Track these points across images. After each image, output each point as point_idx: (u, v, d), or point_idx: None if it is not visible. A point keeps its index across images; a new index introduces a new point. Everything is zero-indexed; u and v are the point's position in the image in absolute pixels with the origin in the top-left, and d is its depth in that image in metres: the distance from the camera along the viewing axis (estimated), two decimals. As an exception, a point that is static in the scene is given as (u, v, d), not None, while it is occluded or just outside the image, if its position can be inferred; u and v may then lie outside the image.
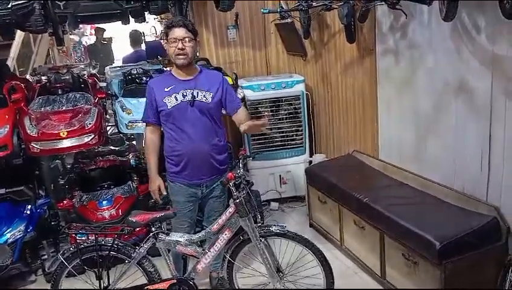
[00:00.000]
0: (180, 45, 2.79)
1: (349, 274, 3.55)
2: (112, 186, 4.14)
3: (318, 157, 4.77)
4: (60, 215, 4.18)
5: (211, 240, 2.82)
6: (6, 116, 3.93)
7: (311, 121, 5.09)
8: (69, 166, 4.63)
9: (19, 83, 4.39)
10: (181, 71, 2.92)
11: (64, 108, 4.17)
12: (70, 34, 8.93)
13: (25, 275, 3.79)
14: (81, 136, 3.87)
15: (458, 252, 2.65)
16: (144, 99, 4.18)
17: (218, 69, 4.44)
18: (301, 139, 4.92)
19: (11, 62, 6.48)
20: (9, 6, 3.54)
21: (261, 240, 2.74)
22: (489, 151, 2.82)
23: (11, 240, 3.56)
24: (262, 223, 2.87)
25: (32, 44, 7.94)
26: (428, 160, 3.41)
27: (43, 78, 4.89)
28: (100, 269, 2.81)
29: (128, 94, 4.54)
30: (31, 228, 3.71)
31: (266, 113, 2.97)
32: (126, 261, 2.83)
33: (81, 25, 7.68)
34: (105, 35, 9.17)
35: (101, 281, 2.82)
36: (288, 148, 4.91)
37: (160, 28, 8.47)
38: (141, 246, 2.78)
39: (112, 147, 4.99)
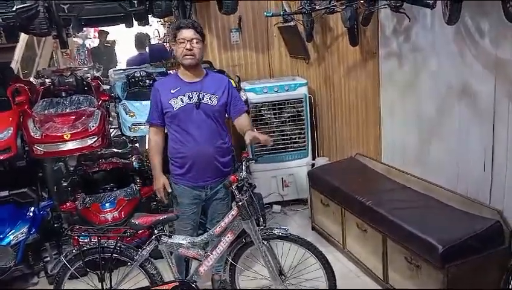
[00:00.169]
0: (188, 46, 2.82)
1: (351, 277, 3.54)
2: (115, 189, 4.15)
3: (321, 160, 4.77)
4: (63, 218, 4.19)
5: (213, 243, 2.82)
6: (10, 119, 3.95)
7: (314, 124, 5.09)
8: (72, 168, 4.64)
9: (22, 85, 4.42)
10: (188, 72, 2.93)
11: (67, 110, 4.20)
12: (74, 37, 8.97)
13: (28, 277, 3.79)
14: (84, 139, 3.89)
15: (461, 256, 2.64)
16: (147, 102, 4.20)
17: (221, 71, 4.45)
18: (304, 142, 4.92)
19: (15, 65, 6.50)
20: (13, 9, 3.56)
21: (263, 243, 2.74)
22: (493, 155, 2.81)
23: (14, 242, 3.57)
24: (265, 225, 2.86)
25: (36, 47, 7.98)
26: (432, 163, 3.41)
27: (46, 80, 4.92)
28: (103, 271, 2.81)
29: (131, 97, 4.56)
30: (33, 230, 3.72)
31: (268, 137, 2.96)
32: (128, 264, 2.83)
33: (84, 28, 7.70)
34: (109, 38, 9.20)
35: (104, 283, 2.82)
36: (291, 151, 4.91)
37: (163, 31, 8.49)
38: (144, 249, 2.78)
39: (115, 150, 5.00)
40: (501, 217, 2.76)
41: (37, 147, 3.83)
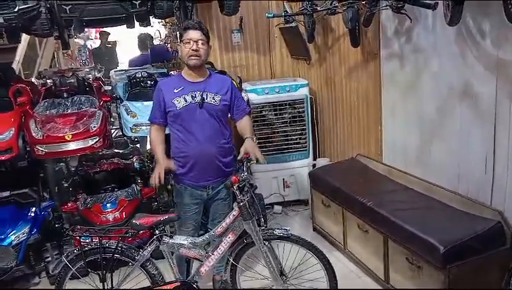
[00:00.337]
0: (194, 46, 2.84)
1: (352, 278, 3.54)
2: (116, 189, 4.15)
3: (322, 161, 4.77)
4: (64, 218, 4.20)
5: (214, 243, 2.82)
6: (12, 119, 3.96)
7: (315, 125, 5.10)
8: (73, 169, 4.65)
9: (24, 86, 4.44)
10: (192, 73, 2.95)
11: (69, 111, 4.21)
12: (76, 38, 8.96)
13: (29, 277, 3.79)
14: (85, 139, 3.91)
15: (462, 257, 2.64)
16: (148, 103, 4.23)
17: (223, 72, 4.46)
18: (305, 142, 4.92)
19: (16, 65, 6.51)
20: (16, 9, 3.56)
21: (264, 243, 2.74)
22: (494, 156, 2.81)
23: (15, 242, 3.57)
24: (266, 226, 2.86)
25: (37, 47, 7.99)
26: (433, 164, 3.41)
27: (48, 81, 4.94)
28: (104, 272, 2.82)
29: (132, 97, 4.57)
30: (35, 230, 3.72)
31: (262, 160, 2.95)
32: (130, 264, 2.84)
33: (86, 29, 7.72)
34: (110, 39, 9.22)
35: (105, 283, 2.83)
36: (292, 152, 4.92)
37: (164, 31, 8.51)
38: (145, 249, 2.79)
39: (116, 150, 5.01)
40: (502, 218, 2.76)
41: (39, 148, 3.84)
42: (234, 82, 4.30)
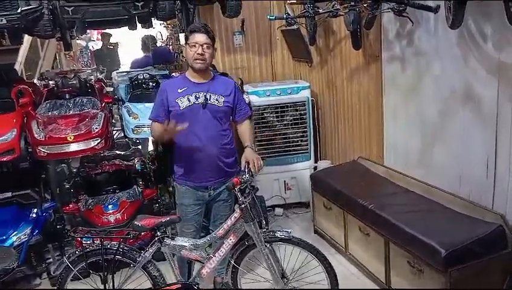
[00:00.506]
0: (199, 50, 2.85)
1: (353, 280, 3.54)
2: (118, 191, 4.16)
3: (323, 164, 4.77)
4: (66, 219, 4.21)
5: (216, 245, 2.82)
6: (14, 120, 3.98)
7: (317, 127, 5.10)
8: (75, 170, 4.66)
9: (26, 87, 4.45)
10: (196, 74, 2.96)
11: (71, 112, 4.23)
12: (78, 39, 9.00)
13: (30, 278, 3.79)
14: (87, 141, 3.92)
15: (464, 260, 2.63)
16: (150, 104, 4.21)
17: (224, 74, 4.47)
18: (306, 145, 4.92)
19: (18, 66, 6.52)
20: (18, 11, 3.58)
21: (266, 246, 2.74)
22: (495, 159, 2.81)
23: (17, 243, 3.58)
24: (267, 228, 2.87)
25: (39, 49, 8.01)
26: (434, 167, 3.41)
27: (50, 82, 4.96)
28: (105, 273, 2.81)
29: (134, 99, 4.58)
30: (36, 231, 3.73)
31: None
32: (131, 265, 2.84)
33: (88, 30, 7.74)
34: (112, 40, 9.24)
35: (106, 284, 2.82)
36: (293, 154, 4.91)
37: (166, 33, 8.53)
38: (146, 251, 2.79)
39: (118, 152, 5.02)
40: (504, 221, 2.75)
41: (41, 149, 3.85)
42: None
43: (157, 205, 4.30)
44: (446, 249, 2.61)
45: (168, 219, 2.80)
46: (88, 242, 2.88)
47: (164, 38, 8.61)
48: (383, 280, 3.28)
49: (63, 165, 4.67)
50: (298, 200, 5.01)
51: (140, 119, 4.17)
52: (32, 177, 4.19)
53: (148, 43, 7.34)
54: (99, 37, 9.79)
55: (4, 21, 3.56)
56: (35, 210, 3.86)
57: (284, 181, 4.93)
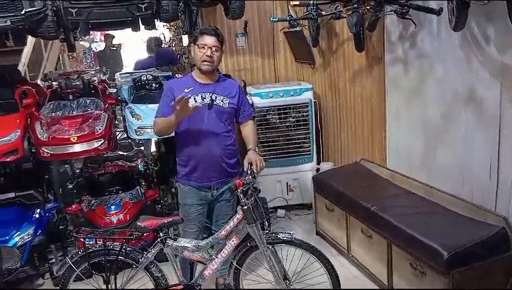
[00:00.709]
0: (208, 52, 2.86)
1: (355, 283, 3.53)
2: (120, 192, 4.17)
3: (325, 165, 4.77)
4: (69, 220, 4.22)
5: (218, 246, 2.83)
6: (18, 121, 3.98)
7: (319, 129, 5.10)
8: (78, 171, 4.67)
9: (30, 88, 4.47)
10: (203, 75, 2.98)
11: (74, 113, 4.23)
12: (81, 41, 9.03)
13: (33, 278, 3.81)
14: (91, 141, 3.92)
15: (466, 262, 2.63)
16: (153, 106, 4.24)
17: (227, 76, 4.47)
18: (309, 146, 4.92)
19: (22, 67, 6.54)
20: (22, 12, 3.59)
21: (268, 247, 2.74)
22: (498, 161, 2.81)
23: (20, 243, 3.59)
24: (269, 230, 2.87)
25: (43, 50, 8.04)
26: (437, 169, 3.40)
27: (54, 83, 4.96)
28: (108, 274, 2.82)
29: (137, 100, 4.59)
30: (39, 231, 3.74)
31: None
32: (134, 266, 2.84)
33: (91, 32, 7.77)
34: (114, 41, 9.27)
35: (109, 285, 2.83)
36: (296, 156, 4.92)
37: (169, 35, 8.55)
38: (149, 251, 2.79)
39: (121, 152, 5.03)
40: (506, 224, 2.75)
41: (44, 149, 3.86)
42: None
43: (159, 206, 4.31)
44: (448, 252, 2.61)
45: (170, 220, 2.81)
46: (91, 243, 2.89)
47: (167, 40, 8.64)
48: (385, 282, 3.28)
49: (66, 165, 4.68)
50: (300, 201, 5.01)
51: (143, 120, 4.17)
52: (36, 178, 4.20)
53: (150, 44, 7.36)
54: (103, 38, 9.83)
55: (8, 22, 3.57)
56: (38, 210, 3.87)
57: (287, 183, 4.93)
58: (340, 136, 4.84)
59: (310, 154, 4.94)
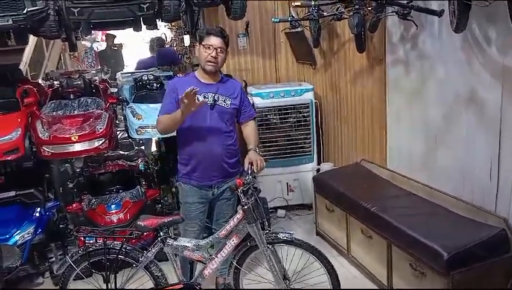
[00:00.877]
0: (213, 54, 2.88)
1: (355, 283, 3.53)
2: (121, 191, 4.18)
3: (326, 166, 4.77)
4: (69, 219, 4.22)
5: (218, 246, 2.83)
6: (19, 120, 3.99)
7: (320, 129, 5.10)
8: (78, 170, 4.68)
9: (31, 87, 4.48)
10: (206, 75, 2.99)
11: (75, 112, 4.24)
12: (82, 40, 9.04)
13: (33, 277, 3.81)
14: (91, 141, 3.93)
15: (466, 263, 2.64)
16: (154, 105, 4.25)
17: (228, 76, 4.48)
18: (309, 147, 4.93)
19: (23, 66, 6.56)
20: (24, 11, 3.60)
21: (268, 247, 2.74)
22: (499, 163, 2.81)
23: (20, 242, 3.59)
24: (270, 230, 2.87)
25: (44, 49, 8.05)
26: (437, 170, 3.40)
27: (55, 82, 4.97)
28: (108, 273, 2.83)
29: (138, 100, 4.60)
30: (39, 230, 3.74)
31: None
32: (134, 265, 2.85)
33: (93, 31, 7.78)
34: (116, 41, 9.28)
35: (109, 284, 2.84)
36: (296, 156, 4.92)
37: (170, 35, 8.56)
38: (149, 251, 2.80)
39: (121, 152, 5.04)
40: (506, 225, 2.76)
41: (45, 148, 3.86)
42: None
43: (160, 205, 4.32)
44: (448, 252, 2.62)
45: (170, 219, 2.81)
46: (91, 242, 2.89)
47: (168, 39, 8.65)
48: (385, 283, 3.28)
49: (66, 164, 4.69)
50: (301, 202, 5.01)
51: (144, 120, 4.17)
52: (36, 177, 4.21)
53: (152, 44, 7.37)
54: (104, 38, 9.83)
55: (10, 21, 3.57)
56: (38, 209, 3.87)
57: (287, 183, 4.93)
58: (341, 137, 4.85)
59: (310, 154, 4.94)
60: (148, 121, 4.11)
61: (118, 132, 4.76)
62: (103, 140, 3.97)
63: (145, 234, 3.40)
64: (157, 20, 4.66)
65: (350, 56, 4.38)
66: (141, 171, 4.54)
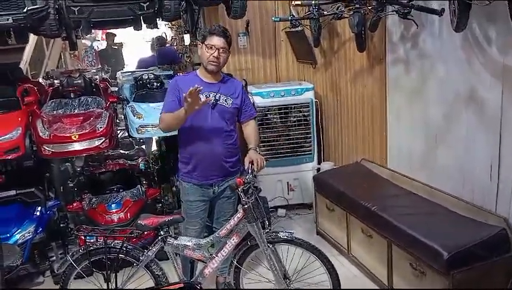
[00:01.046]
0: (216, 54, 2.88)
1: (355, 282, 3.54)
2: (121, 190, 4.18)
3: (326, 165, 4.77)
4: (69, 218, 4.22)
5: (218, 245, 2.84)
6: (19, 119, 4.00)
7: (320, 129, 5.10)
8: (79, 169, 4.68)
9: (31, 86, 4.48)
10: (208, 75, 2.99)
11: (76, 111, 4.25)
12: (82, 39, 9.04)
13: (33, 276, 3.82)
14: (92, 140, 3.93)
15: (466, 263, 2.64)
16: (154, 104, 4.26)
17: (229, 75, 4.48)
18: (310, 146, 4.93)
19: (24, 65, 6.56)
20: (24, 10, 3.60)
21: (268, 246, 2.75)
22: (499, 162, 2.81)
23: (20, 241, 3.60)
24: (270, 229, 2.88)
25: (45, 48, 8.05)
26: (438, 170, 3.41)
27: (55, 81, 4.98)
28: (108, 272, 2.83)
29: (139, 99, 4.60)
30: (40, 229, 3.75)
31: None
32: (134, 264, 2.85)
33: (93, 30, 7.78)
34: (116, 40, 9.27)
35: (109, 283, 2.84)
36: (297, 156, 4.92)
37: (170, 34, 8.56)
38: (149, 250, 2.80)
39: (122, 151, 5.04)
40: (507, 225, 2.76)
41: (45, 147, 3.87)
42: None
43: (160, 204, 4.32)
44: (449, 252, 2.62)
45: (171, 218, 2.82)
46: (91, 241, 2.90)
47: (169, 38, 8.65)
48: (385, 282, 3.28)
49: (67, 163, 4.69)
50: (301, 201, 5.01)
51: (144, 119, 4.17)
52: (37, 176, 4.21)
53: (153, 43, 7.39)
54: (104, 37, 9.83)
55: (10, 20, 3.57)
56: (39, 208, 3.88)
57: (287, 182, 4.93)
58: (341, 136, 4.85)
59: (310, 154, 4.94)
60: (148, 120, 4.11)
61: (119, 131, 4.77)
62: (103, 139, 3.97)
63: (145, 233, 3.41)
64: (157, 19, 4.66)
65: (350, 55, 4.38)
66: (142, 170, 4.54)
